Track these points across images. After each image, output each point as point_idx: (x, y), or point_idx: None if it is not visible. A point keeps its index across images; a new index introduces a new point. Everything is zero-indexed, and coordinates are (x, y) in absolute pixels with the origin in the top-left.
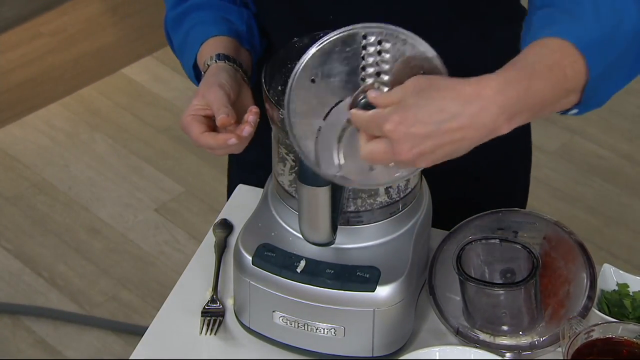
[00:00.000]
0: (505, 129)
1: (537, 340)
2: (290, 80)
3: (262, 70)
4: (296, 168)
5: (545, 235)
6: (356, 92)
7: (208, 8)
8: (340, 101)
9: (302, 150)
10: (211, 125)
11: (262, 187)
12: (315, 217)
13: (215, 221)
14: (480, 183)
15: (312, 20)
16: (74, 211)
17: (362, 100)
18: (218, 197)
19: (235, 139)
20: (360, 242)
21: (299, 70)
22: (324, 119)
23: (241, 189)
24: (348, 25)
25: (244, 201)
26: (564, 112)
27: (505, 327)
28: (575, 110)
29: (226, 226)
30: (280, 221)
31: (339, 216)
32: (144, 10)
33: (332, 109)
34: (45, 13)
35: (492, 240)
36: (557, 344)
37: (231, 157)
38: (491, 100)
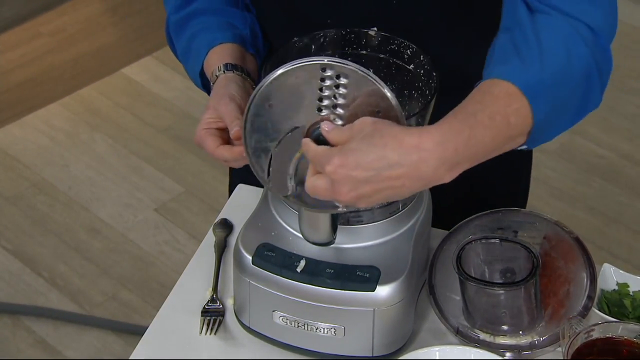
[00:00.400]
0: (447, 178)
1: (537, 340)
2: (249, 101)
3: (262, 70)
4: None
5: (545, 235)
6: (312, 122)
7: (211, 13)
8: (297, 127)
9: (255, 167)
10: (225, 137)
11: (262, 186)
12: (316, 217)
13: (215, 221)
14: (480, 183)
15: (311, 23)
16: (74, 211)
17: (316, 132)
18: (218, 197)
19: None
20: (360, 241)
21: (257, 93)
22: (277, 144)
23: (241, 189)
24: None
25: (244, 201)
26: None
27: (505, 327)
28: (524, 147)
29: (226, 226)
30: (280, 221)
31: (339, 216)
32: (144, 10)
33: (287, 134)
34: (44, 13)
35: (492, 240)
36: (557, 344)
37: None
38: (431, 153)
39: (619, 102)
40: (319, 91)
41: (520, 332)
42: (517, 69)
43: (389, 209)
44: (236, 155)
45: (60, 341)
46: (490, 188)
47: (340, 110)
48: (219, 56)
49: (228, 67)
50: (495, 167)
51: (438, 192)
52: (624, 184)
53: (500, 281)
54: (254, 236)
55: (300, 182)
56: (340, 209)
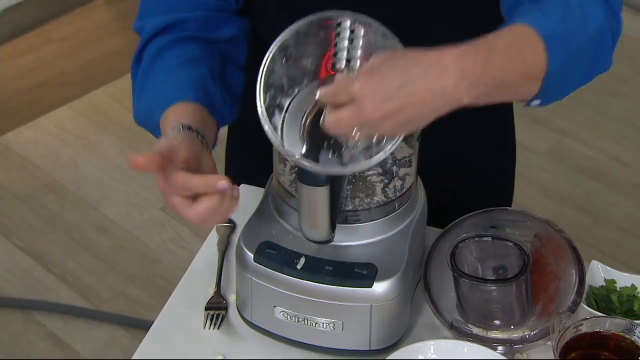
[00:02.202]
0: (466, 99)
1: (527, 334)
2: (265, 57)
3: (259, 74)
4: (296, 169)
5: (536, 233)
6: (326, 76)
7: (190, 44)
8: (313, 81)
9: (267, 128)
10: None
11: (264, 187)
12: (315, 216)
13: None
14: (473, 182)
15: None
16: (83, 210)
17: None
18: None
19: (225, 181)
20: (357, 239)
21: (274, 48)
22: (291, 100)
23: (243, 189)
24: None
25: (246, 201)
26: (527, 103)
27: (497, 322)
28: (537, 101)
29: (229, 225)
30: (281, 220)
31: (338, 215)
32: None
33: (302, 88)
34: (55, 19)
35: (485, 238)
36: (547, 338)
37: (229, 161)
38: (451, 65)
39: (607, 106)
40: (334, 45)
41: (512, 327)
42: (537, 17)
43: (385, 208)
44: (209, 182)
45: (70, 335)
46: (482, 187)
47: (355, 65)
48: (176, 115)
49: (184, 127)
50: (487, 166)
51: (433, 192)
52: (612, 184)
53: (493, 278)
54: (255, 235)
55: (312, 140)
56: (347, 169)
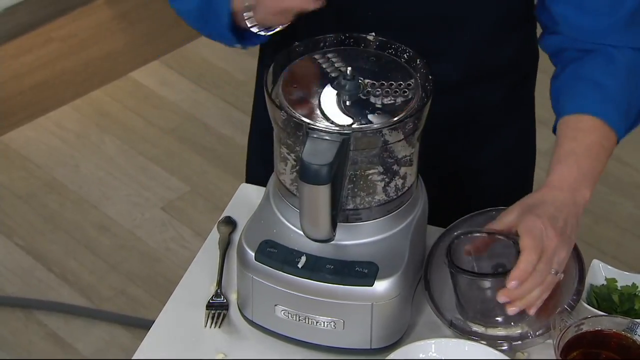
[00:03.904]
0: (588, 197)
1: (527, 331)
2: None
3: (265, 73)
4: (297, 167)
5: None
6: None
7: None
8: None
9: None
10: None
11: (265, 186)
12: (316, 215)
13: (220, 219)
14: (476, 184)
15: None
16: (84, 209)
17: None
18: (222, 196)
19: None
20: (358, 238)
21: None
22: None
23: (244, 188)
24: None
25: (247, 199)
26: None
27: (496, 319)
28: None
29: (230, 223)
30: (282, 218)
31: (339, 213)
32: (152, 16)
33: None
34: (56, 19)
35: (478, 234)
36: (547, 336)
37: (251, 151)
38: (572, 194)
39: None
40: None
41: (511, 323)
42: (597, 103)
43: (386, 207)
44: None
45: (71, 334)
46: (487, 189)
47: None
48: None
49: None
50: (492, 167)
51: (434, 191)
52: (613, 184)
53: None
54: (256, 233)
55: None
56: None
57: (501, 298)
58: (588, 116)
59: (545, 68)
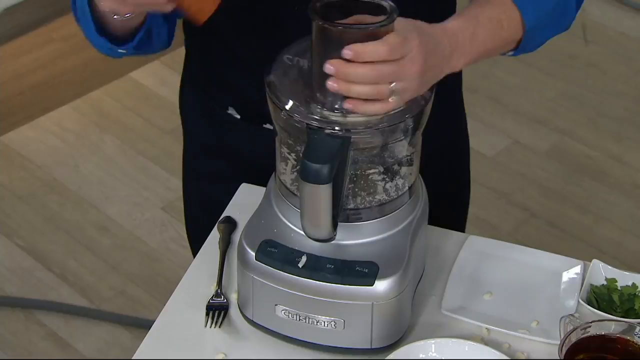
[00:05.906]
0: (458, 67)
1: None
2: None
3: (265, 72)
4: (298, 167)
5: None
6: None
7: None
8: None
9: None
10: None
11: (265, 185)
12: (317, 214)
13: (220, 219)
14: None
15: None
16: (84, 209)
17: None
18: None
19: None
20: (359, 238)
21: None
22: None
23: (244, 188)
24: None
25: (247, 199)
26: (502, 53)
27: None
28: (510, 53)
29: (230, 223)
30: (282, 218)
31: (339, 213)
32: None
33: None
34: (57, 19)
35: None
36: (549, 335)
37: (188, 167)
38: (449, 40)
39: (607, 106)
40: None
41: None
42: None
43: (387, 206)
44: None
45: (71, 334)
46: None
47: None
48: None
49: None
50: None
51: (434, 191)
52: (612, 184)
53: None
54: (257, 233)
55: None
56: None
57: (327, 66)
58: None
59: (533, 62)
